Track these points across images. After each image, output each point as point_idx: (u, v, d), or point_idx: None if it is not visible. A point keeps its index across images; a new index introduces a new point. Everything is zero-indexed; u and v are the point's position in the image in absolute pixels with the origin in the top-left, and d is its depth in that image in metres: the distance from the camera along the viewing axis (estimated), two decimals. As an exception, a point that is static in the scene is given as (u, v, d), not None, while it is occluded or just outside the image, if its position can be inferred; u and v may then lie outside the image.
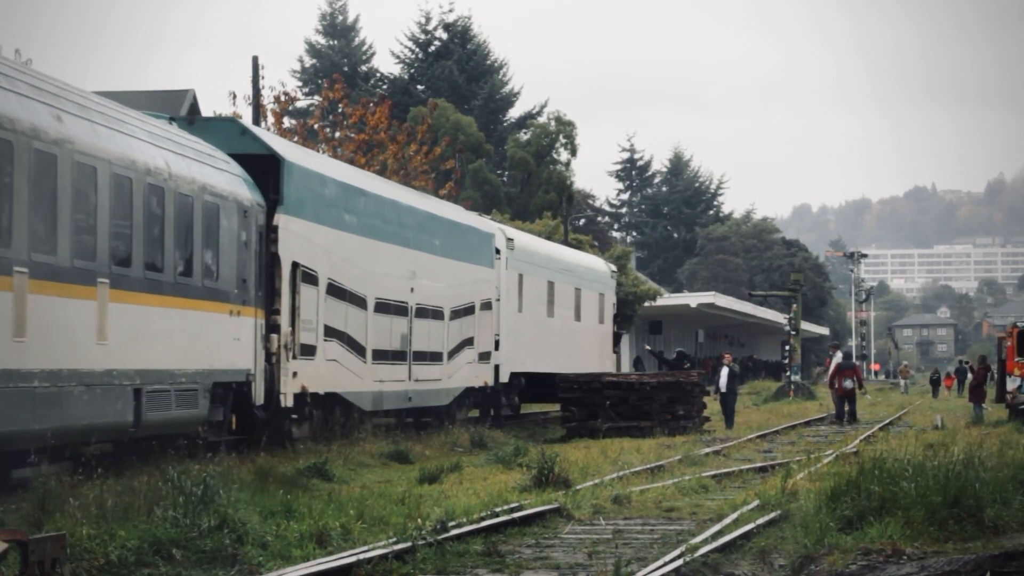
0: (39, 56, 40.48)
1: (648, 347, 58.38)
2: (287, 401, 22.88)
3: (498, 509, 15.11)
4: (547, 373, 37.23)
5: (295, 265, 23.33)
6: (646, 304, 65.69)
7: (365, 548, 12.26)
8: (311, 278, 23.85)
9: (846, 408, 39.43)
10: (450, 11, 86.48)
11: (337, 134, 59.11)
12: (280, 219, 22.94)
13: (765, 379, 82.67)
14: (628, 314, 65.05)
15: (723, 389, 36.78)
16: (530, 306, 36.79)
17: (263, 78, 46.00)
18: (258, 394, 22.03)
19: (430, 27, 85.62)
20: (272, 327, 22.70)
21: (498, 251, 34.53)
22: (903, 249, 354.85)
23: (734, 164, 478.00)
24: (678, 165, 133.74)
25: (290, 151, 24.55)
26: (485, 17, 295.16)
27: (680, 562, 11.83)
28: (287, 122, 55.84)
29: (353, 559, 11.54)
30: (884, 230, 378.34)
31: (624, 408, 32.07)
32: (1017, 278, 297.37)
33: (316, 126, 58.88)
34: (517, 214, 66.56)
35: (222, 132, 23.24)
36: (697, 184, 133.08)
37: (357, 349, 25.85)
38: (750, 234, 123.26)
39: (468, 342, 32.12)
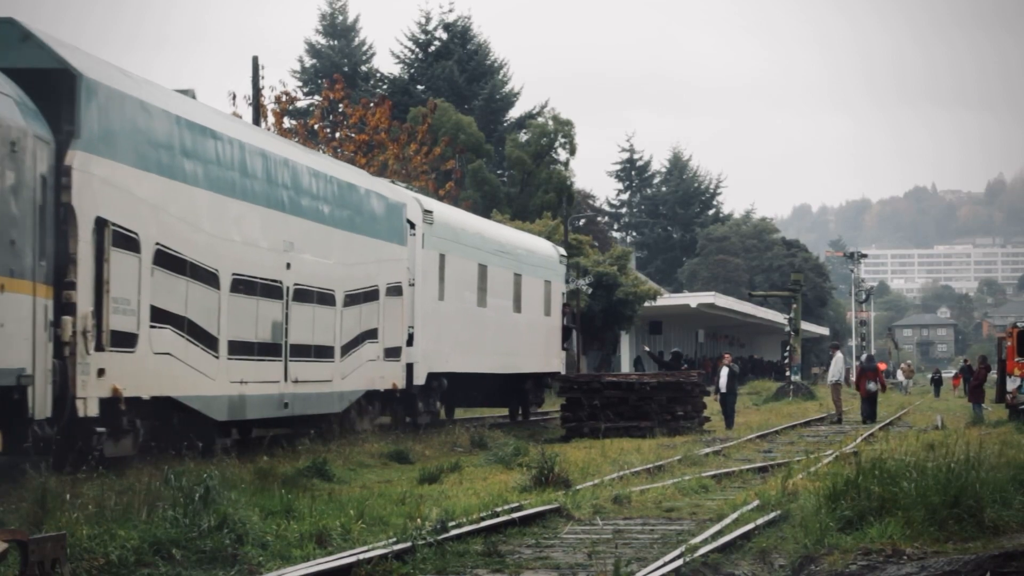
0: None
1: (647, 348, 58.39)
2: (88, 409, 17.07)
3: (498, 509, 15.11)
4: (479, 374, 33.46)
5: (101, 223, 17.46)
6: (646, 304, 65.74)
7: (365, 548, 12.27)
8: (130, 242, 18.02)
9: (870, 407, 40.10)
10: (450, 11, 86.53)
11: (337, 134, 59.13)
12: (75, 158, 16.95)
13: (769, 379, 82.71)
14: (628, 314, 65.14)
15: (723, 389, 36.78)
16: (455, 293, 31.46)
17: (263, 78, 46.08)
18: (39, 402, 15.98)
19: (430, 27, 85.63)
20: (66, 307, 16.80)
21: (412, 225, 29.18)
22: (903, 249, 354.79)
23: (734, 164, 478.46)
24: (677, 165, 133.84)
25: (93, 66, 18.14)
26: (485, 17, 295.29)
27: (680, 562, 11.83)
28: (287, 122, 55.88)
29: (353, 559, 11.54)
30: (884, 230, 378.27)
31: (624, 408, 32.06)
32: (1017, 278, 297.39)
33: (316, 126, 58.90)
34: (517, 214, 66.60)
35: None
36: (696, 184, 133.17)
37: (204, 340, 20.12)
38: (750, 234, 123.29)
39: (370, 335, 26.60)
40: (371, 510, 15.09)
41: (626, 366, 72.54)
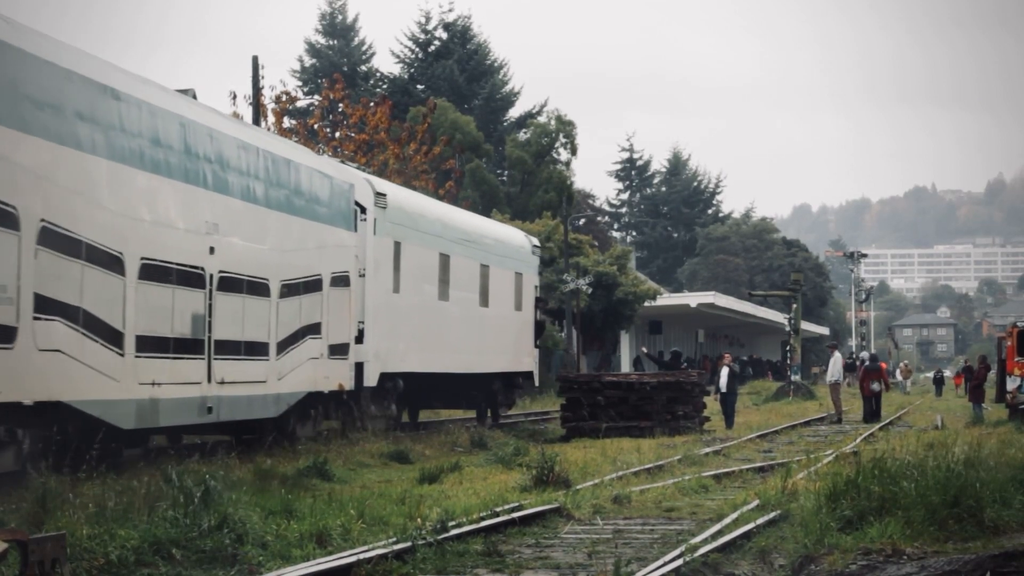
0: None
1: (644, 350, 58.38)
2: None
3: (498, 509, 15.11)
4: (441, 374, 31.13)
5: None
6: (646, 304, 65.74)
7: (365, 548, 12.27)
8: (6, 218, 15.43)
9: (872, 407, 40.26)
10: (450, 11, 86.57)
11: (337, 134, 59.14)
12: None
13: (770, 379, 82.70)
14: (628, 314, 65.16)
15: (723, 389, 36.79)
16: (413, 285, 28.84)
17: (263, 78, 46.09)
18: None
19: (430, 27, 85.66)
20: None
21: (363, 209, 26.71)
22: (903, 249, 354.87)
23: (734, 164, 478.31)
24: (677, 165, 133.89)
25: None
26: (485, 17, 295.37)
27: (680, 562, 11.83)
28: (287, 122, 55.87)
29: (353, 559, 11.54)
30: (884, 230, 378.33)
31: (624, 408, 32.06)
32: (1017, 278, 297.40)
33: (316, 126, 58.90)
34: (517, 214, 66.62)
35: None
36: (696, 184, 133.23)
37: (105, 335, 17.40)
38: (750, 234, 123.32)
39: (312, 330, 23.96)
40: (371, 510, 15.09)
41: (626, 366, 72.56)
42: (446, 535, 12.99)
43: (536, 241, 39.90)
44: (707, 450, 25.72)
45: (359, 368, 26.25)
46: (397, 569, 11.71)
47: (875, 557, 11.37)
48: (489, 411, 36.06)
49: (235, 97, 50.93)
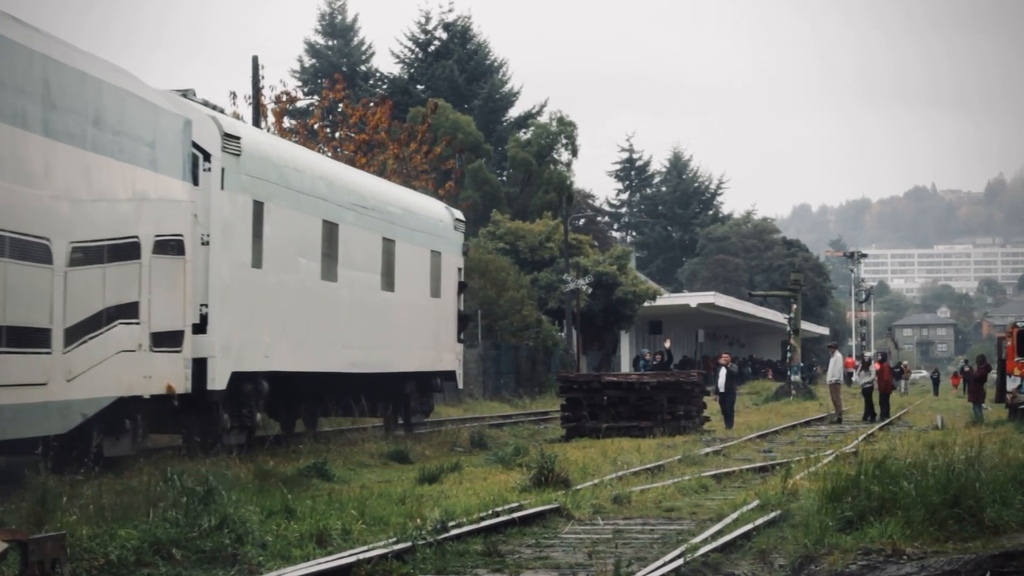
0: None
1: (646, 352, 58.40)
2: None
3: (498, 509, 15.11)
4: (330, 374, 25.59)
5: None
6: (646, 304, 65.77)
7: (365, 548, 12.26)
8: None
9: (877, 409, 40.84)
10: (450, 11, 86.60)
11: (337, 134, 59.12)
12: None
13: (770, 379, 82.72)
14: (628, 314, 65.18)
15: (722, 389, 36.80)
16: (282, 259, 23.11)
17: (263, 78, 46.08)
18: None
19: (430, 27, 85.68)
20: None
21: (206, 155, 20.85)
22: (903, 249, 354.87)
23: (734, 164, 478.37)
24: (677, 165, 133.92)
25: None
26: (485, 16, 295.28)
27: (680, 562, 11.82)
28: (287, 122, 55.86)
29: (353, 559, 11.54)
30: (884, 230, 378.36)
31: (624, 408, 32.05)
32: (1017, 278, 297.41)
33: (316, 126, 58.88)
34: (517, 214, 66.65)
35: None
36: (696, 184, 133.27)
37: None
38: (750, 234, 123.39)
39: (124, 312, 17.79)
40: (371, 510, 15.09)
41: (626, 366, 72.56)
42: (446, 535, 12.99)
43: (460, 214, 33.74)
44: (707, 450, 25.71)
45: (200, 365, 20.36)
46: (397, 569, 11.70)
47: (875, 557, 11.37)
48: (401, 417, 30.44)
49: (235, 97, 50.91)
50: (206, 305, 20.68)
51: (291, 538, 12.95)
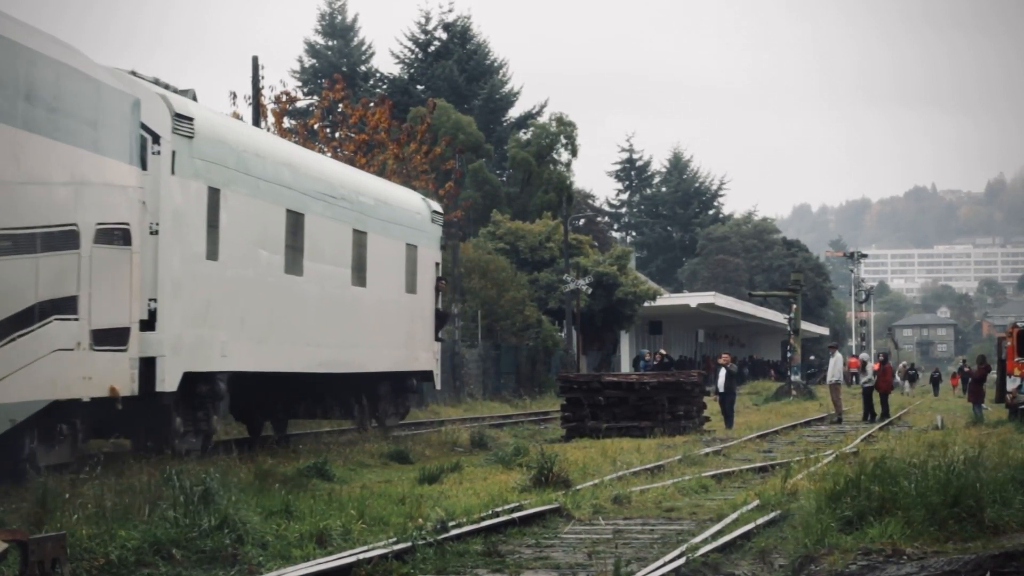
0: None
1: (646, 350, 58.44)
2: None
3: (498, 509, 15.11)
4: (296, 374, 24.19)
5: None
6: (646, 304, 65.78)
7: (365, 548, 12.26)
8: None
9: (878, 409, 41.12)
10: (450, 11, 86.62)
11: (337, 134, 59.13)
12: None
13: (772, 379, 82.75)
14: (628, 314, 65.19)
15: (721, 389, 36.79)
16: (241, 251, 21.67)
17: (263, 78, 46.07)
18: None
19: (430, 27, 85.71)
20: None
21: (155, 137, 19.45)
22: (903, 249, 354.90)
23: (734, 164, 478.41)
24: (677, 165, 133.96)
25: None
26: (484, 16, 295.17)
27: (680, 562, 11.82)
28: (287, 122, 55.86)
29: (353, 559, 11.53)
30: (884, 230, 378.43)
31: (624, 408, 32.04)
32: (1017, 278, 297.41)
33: (316, 126, 58.89)
34: (517, 214, 66.68)
35: None
36: (697, 184, 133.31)
37: None
38: (750, 234, 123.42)
39: (60, 307, 16.41)
40: (371, 510, 15.09)
41: (626, 366, 72.57)
42: (446, 535, 12.99)
43: (437, 206, 32.06)
44: (707, 450, 25.70)
45: (148, 365, 18.98)
46: (397, 569, 11.70)
47: (875, 557, 11.36)
48: (374, 419, 28.83)
49: (235, 97, 50.91)
50: (155, 300, 19.26)
51: (291, 538, 12.95)
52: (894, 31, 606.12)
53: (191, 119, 20.13)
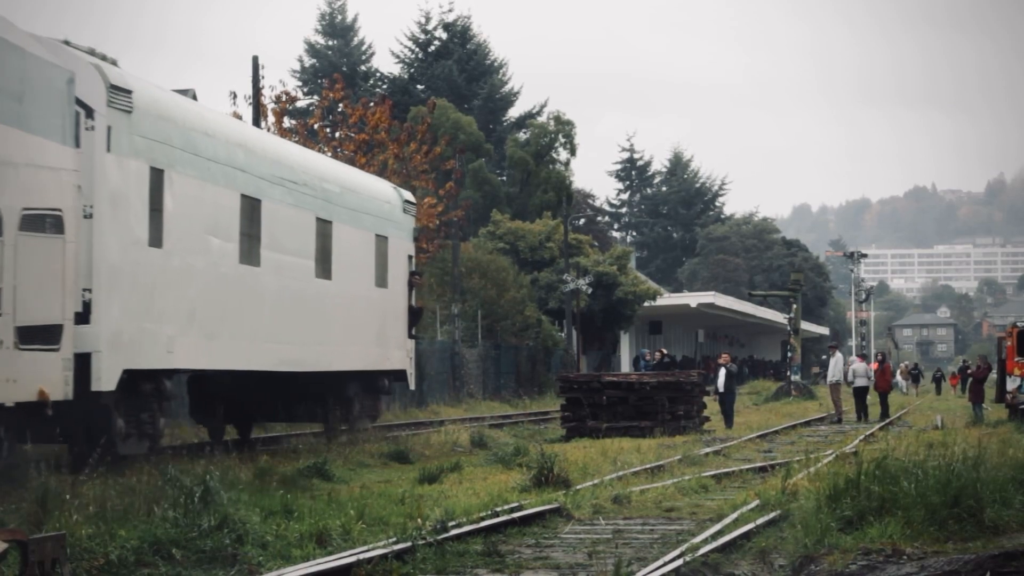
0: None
1: (645, 350, 58.42)
2: None
3: (498, 509, 15.10)
4: (253, 373, 22.51)
5: None
6: (646, 304, 65.78)
7: (365, 548, 12.26)
8: None
9: (877, 409, 41.64)
10: (450, 11, 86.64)
11: (337, 134, 59.12)
12: None
13: (770, 379, 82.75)
14: (628, 314, 65.19)
15: (721, 389, 36.79)
16: (188, 238, 19.87)
17: (263, 78, 46.06)
18: None
19: (430, 27, 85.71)
20: None
21: (88, 111, 17.58)
22: (903, 249, 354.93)
23: (734, 164, 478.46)
24: (678, 165, 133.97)
25: None
26: (484, 16, 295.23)
27: (680, 562, 11.82)
28: (287, 122, 55.86)
29: (353, 559, 11.53)
30: (884, 230, 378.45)
31: (624, 408, 32.04)
32: (1017, 278, 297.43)
33: (316, 126, 58.90)
34: (517, 214, 66.68)
35: None
36: (697, 185, 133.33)
37: None
38: (750, 234, 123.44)
39: None
40: (371, 510, 15.09)
41: (626, 366, 72.58)
42: (446, 535, 12.99)
43: (410, 196, 30.23)
44: (707, 450, 25.69)
45: (83, 362, 17.19)
46: (397, 569, 11.70)
47: (875, 557, 11.36)
48: (344, 422, 27.14)
49: (235, 97, 50.91)
50: (89, 290, 17.43)
51: (291, 538, 12.95)
52: (894, 31, 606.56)
53: (129, 92, 18.32)
